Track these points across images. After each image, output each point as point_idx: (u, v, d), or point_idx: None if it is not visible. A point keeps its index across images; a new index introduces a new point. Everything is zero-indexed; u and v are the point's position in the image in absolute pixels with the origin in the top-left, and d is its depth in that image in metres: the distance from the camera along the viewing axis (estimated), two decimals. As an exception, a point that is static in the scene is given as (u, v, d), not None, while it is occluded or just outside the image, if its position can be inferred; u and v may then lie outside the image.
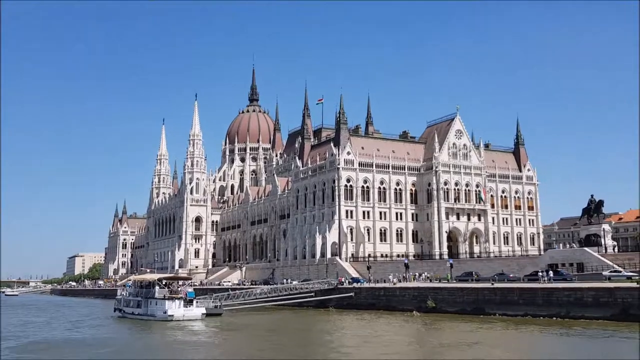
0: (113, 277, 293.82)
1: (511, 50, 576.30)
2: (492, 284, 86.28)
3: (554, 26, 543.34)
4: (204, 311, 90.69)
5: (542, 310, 75.12)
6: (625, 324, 65.44)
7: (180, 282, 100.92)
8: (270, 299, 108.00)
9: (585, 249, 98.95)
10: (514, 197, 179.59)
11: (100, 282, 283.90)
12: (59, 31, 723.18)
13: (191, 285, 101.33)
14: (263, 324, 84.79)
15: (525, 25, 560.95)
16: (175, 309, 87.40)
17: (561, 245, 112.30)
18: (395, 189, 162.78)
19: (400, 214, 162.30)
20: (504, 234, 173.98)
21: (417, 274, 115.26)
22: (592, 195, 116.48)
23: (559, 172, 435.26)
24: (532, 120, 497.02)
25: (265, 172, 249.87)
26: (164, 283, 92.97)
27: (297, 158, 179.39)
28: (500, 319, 77.26)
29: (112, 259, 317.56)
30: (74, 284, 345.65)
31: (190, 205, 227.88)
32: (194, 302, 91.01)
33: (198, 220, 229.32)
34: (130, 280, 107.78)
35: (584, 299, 71.84)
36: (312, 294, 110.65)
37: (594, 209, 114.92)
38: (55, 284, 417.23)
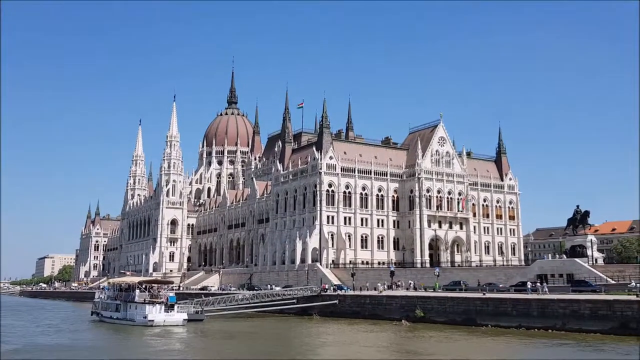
0: (84, 279, 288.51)
1: (493, 59, 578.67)
2: (484, 294, 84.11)
3: (538, 34, 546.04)
4: (186, 317, 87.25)
5: (537, 322, 72.93)
6: (625, 338, 63.57)
7: (157, 286, 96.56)
8: (252, 305, 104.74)
9: (576, 259, 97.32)
10: (496, 206, 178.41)
11: (74, 284, 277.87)
12: (37, 28, 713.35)
13: (172, 290, 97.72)
14: (247, 332, 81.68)
15: (508, 33, 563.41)
16: (155, 313, 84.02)
17: (550, 255, 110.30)
18: (377, 195, 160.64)
19: (382, 220, 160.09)
20: (485, 243, 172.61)
21: (410, 282, 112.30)
22: (577, 206, 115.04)
23: (533, 183, 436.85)
24: (505, 130, 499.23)
25: (243, 175, 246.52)
26: (144, 287, 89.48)
27: (277, 162, 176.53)
28: (492, 330, 75.06)
29: (83, 261, 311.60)
30: (44, 285, 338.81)
31: (166, 207, 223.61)
32: (175, 307, 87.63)
33: (174, 223, 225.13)
34: (108, 282, 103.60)
35: (581, 311, 69.80)
36: (294, 300, 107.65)
37: (579, 220, 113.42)
38: (24, 285, 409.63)
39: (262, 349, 64.84)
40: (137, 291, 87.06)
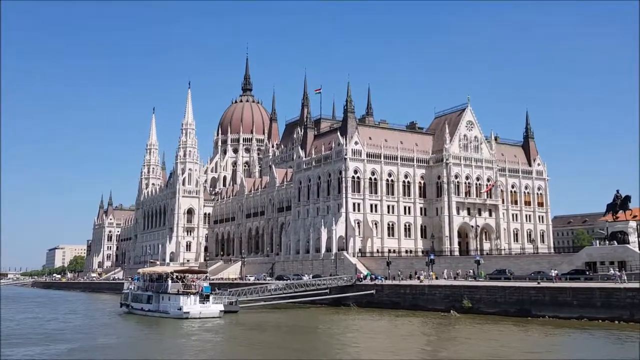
0: (97, 269, 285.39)
1: (518, 42, 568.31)
2: (538, 282, 79.35)
3: (564, 18, 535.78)
4: (222, 308, 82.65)
5: (601, 313, 68.32)
6: None
7: (190, 276, 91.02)
8: (285, 295, 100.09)
9: (628, 246, 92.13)
10: (524, 192, 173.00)
11: (93, 274, 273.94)
12: (50, 16, 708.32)
13: (206, 279, 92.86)
14: (290, 324, 77.07)
15: (534, 17, 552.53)
16: (190, 305, 79.32)
17: (598, 242, 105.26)
18: (404, 182, 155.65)
19: (409, 207, 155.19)
20: (513, 231, 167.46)
21: (469, 271, 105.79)
22: (617, 191, 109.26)
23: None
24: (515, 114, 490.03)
25: (259, 163, 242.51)
26: (176, 276, 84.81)
27: (299, 148, 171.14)
28: (552, 321, 70.43)
29: (96, 251, 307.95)
30: (58, 276, 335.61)
31: (183, 196, 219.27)
32: (211, 297, 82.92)
33: (190, 212, 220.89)
34: (138, 272, 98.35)
35: (651, 300, 65.11)
36: (326, 290, 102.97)
37: (619, 205, 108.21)
38: (36, 277, 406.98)
39: (320, 343, 60.60)
40: (170, 281, 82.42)
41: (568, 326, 66.59)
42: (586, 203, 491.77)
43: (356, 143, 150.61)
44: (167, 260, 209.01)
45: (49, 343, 58.92)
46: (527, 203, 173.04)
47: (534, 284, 78.81)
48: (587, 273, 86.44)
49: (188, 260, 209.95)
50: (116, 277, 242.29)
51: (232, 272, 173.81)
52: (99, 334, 68.16)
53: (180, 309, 78.78)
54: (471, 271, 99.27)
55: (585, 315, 69.23)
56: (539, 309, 74.10)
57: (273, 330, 71.78)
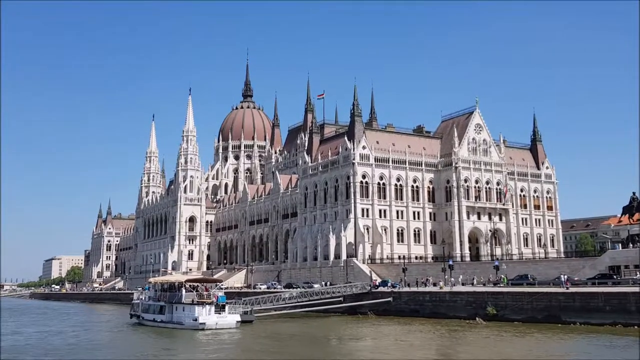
0: (97, 280, 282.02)
1: (523, 43, 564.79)
2: (567, 287, 76.45)
3: (571, 19, 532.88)
4: (239, 318, 79.43)
5: (635, 318, 65.38)
6: None
7: (203, 285, 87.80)
8: (299, 304, 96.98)
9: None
10: (533, 196, 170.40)
11: (95, 285, 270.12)
12: (51, 22, 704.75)
13: (221, 289, 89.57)
14: (310, 334, 73.77)
15: (541, 18, 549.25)
16: (206, 315, 76.02)
17: (620, 245, 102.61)
18: (412, 186, 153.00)
19: (418, 212, 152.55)
20: (523, 235, 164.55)
21: (501, 275, 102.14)
22: (633, 193, 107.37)
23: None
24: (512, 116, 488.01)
25: (261, 170, 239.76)
26: (189, 286, 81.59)
27: (305, 153, 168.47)
28: (584, 328, 67.53)
29: (95, 261, 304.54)
30: (57, 287, 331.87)
31: (184, 204, 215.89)
32: (227, 307, 79.72)
33: (192, 220, 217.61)
34: (149, 282, 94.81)
35: (693, 305, 62.31)
36: (340, 298, 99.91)
37: (636, 207, 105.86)
38: (33, 288, 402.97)
39: (346, 354, 57.64)
40: (184, 291, 79.20)
41: (608, 332, 63.83)
42: (588, 207, 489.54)
43: (364, 147, 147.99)
44: (169, 269, 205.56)
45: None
46: (537, 207, 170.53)
47: (563, 289, 75.93)
48: (615, 277, 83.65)
49: (190, 269, 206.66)
50: (116, 287, 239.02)
51: (236, 280, 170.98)
52: (119, 348, 64.72)
53: (195, 319, 75.53)
54: (502, 277, 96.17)
55: (620, 321, 66.37)
56: (569, 315, 71.22)
57: (295, 341, 68.56)
